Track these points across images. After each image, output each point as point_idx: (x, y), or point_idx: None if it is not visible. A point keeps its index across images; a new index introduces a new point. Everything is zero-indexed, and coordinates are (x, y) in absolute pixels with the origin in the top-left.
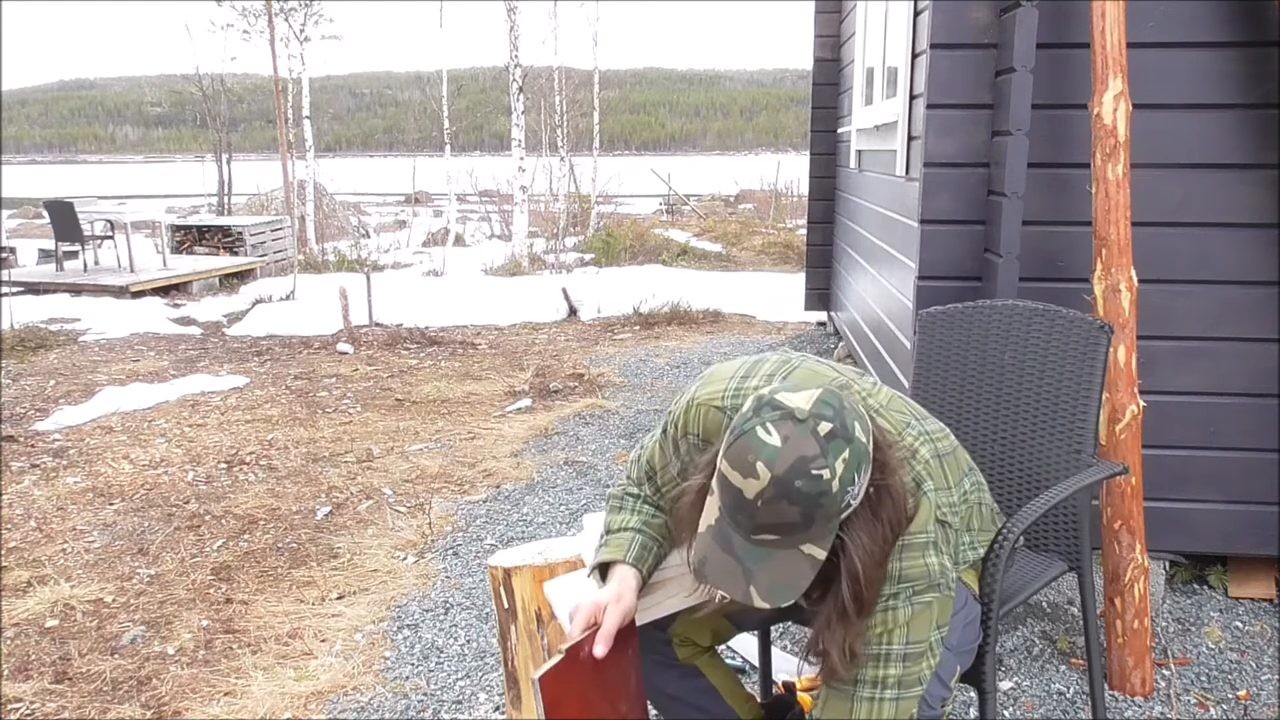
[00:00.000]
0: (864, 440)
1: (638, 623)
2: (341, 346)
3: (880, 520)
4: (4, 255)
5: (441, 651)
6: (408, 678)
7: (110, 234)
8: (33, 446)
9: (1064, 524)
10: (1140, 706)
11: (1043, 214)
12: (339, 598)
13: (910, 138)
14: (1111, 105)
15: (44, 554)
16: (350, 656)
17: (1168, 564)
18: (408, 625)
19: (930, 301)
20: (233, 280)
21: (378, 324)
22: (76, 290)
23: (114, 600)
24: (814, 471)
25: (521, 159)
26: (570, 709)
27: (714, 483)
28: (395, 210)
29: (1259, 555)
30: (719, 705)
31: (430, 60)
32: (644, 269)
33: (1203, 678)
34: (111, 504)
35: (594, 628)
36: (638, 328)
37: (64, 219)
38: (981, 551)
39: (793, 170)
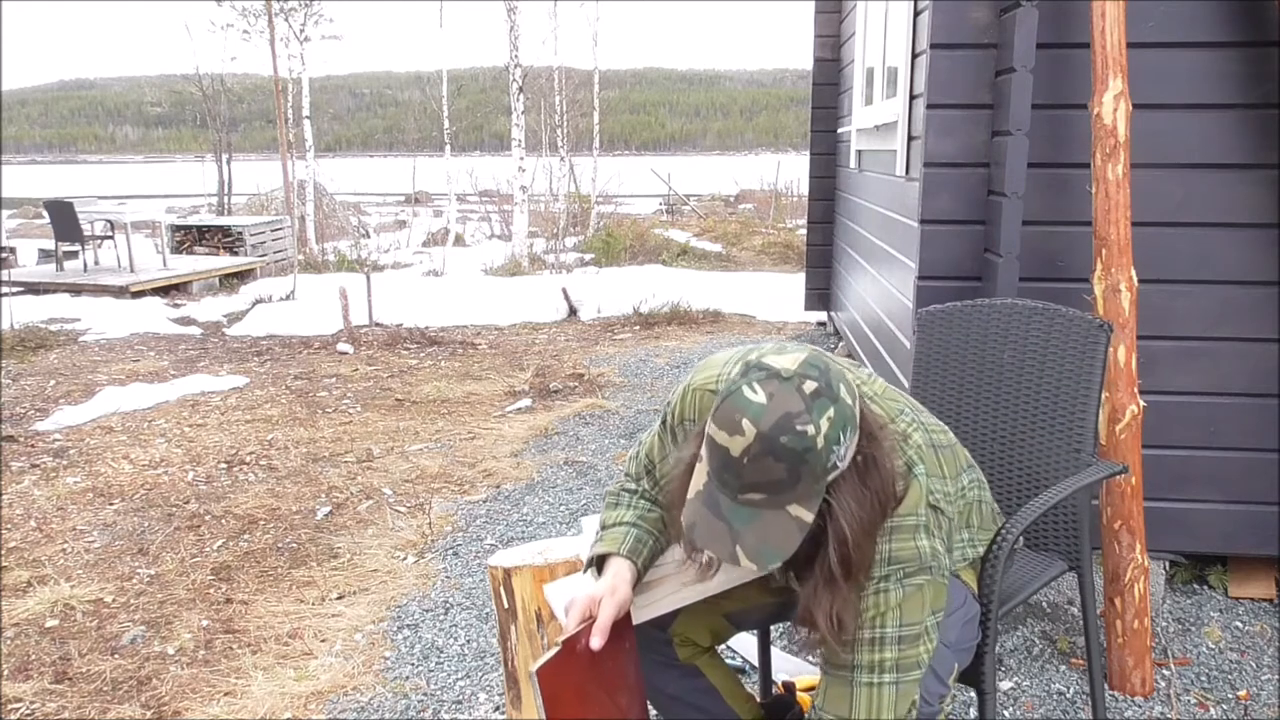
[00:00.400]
0: (849, 402)
1: (638, 620)
2: (341, 346)
3: (868, 489)
4: (4, 255)
5: (441, 651)
6: (408, 678)
7: (110, 234)
8: (33, 446)
9: (1064, 523)
10: (1140, 706)
11: (1043, 214)
12: (339, 598)
13: (910, 138)
14: (1111, 105)
15: (44, 554)
16: (350, 656)
17: (1168, 564)
18: (408, 625)
19: (930, 301)
20: (233, 280)
21: (378, 324)
22: (76, 290)
23: (114, 600)
24: (799, 427)
25: (521, 159)
26: (568, 702)
27: (703, 449)
28: (395, 210)
29: (1259, 555)
30: (719, 705)
31: (430, 60)
32: (644, 269)
33: (1203, 678)
34: (111, 504)
35: (590, 620)
36: (638, 328)
37: (64, 219)
38: (981, 550)
39: (793, 170)
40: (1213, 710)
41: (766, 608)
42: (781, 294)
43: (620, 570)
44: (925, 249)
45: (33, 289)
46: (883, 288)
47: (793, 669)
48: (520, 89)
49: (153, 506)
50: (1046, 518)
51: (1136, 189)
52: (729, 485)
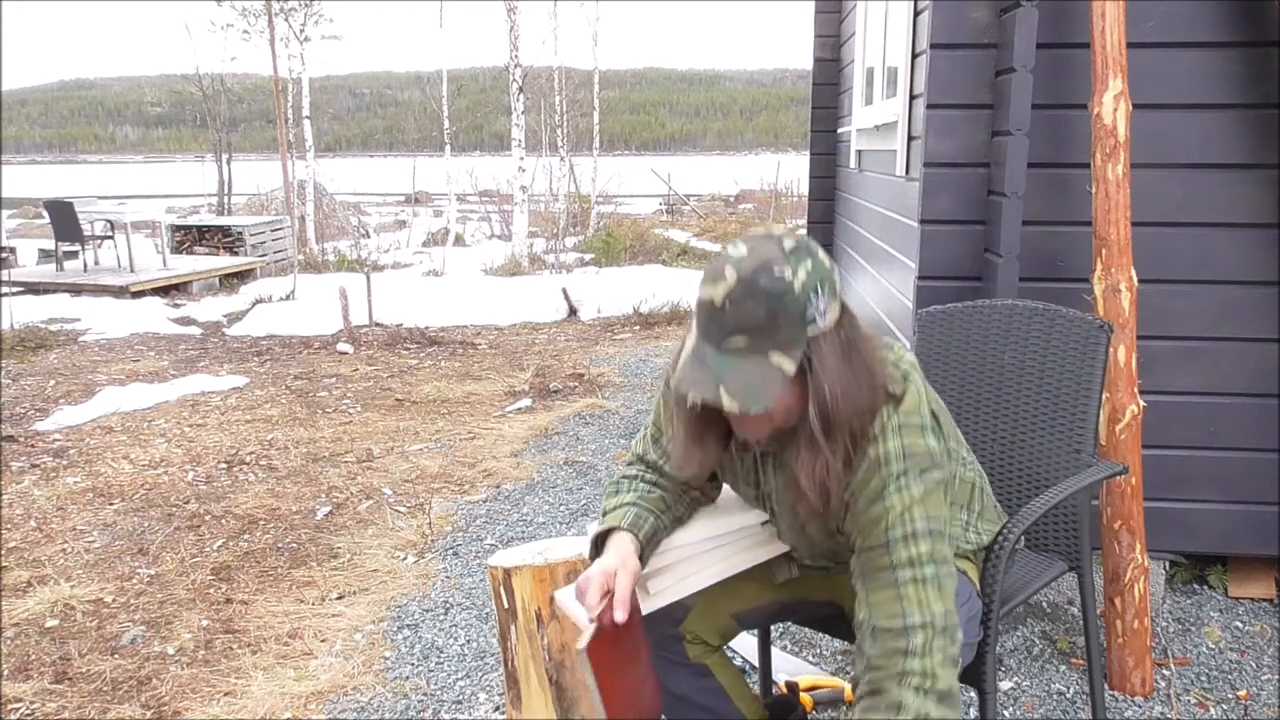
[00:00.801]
0: (827, 265)
1: (648, 608)
2: (341, 346)
3: (851, 364)
4: (4, 255)
5: (441, 651)
6: (408, 678)
7: (110, 234)
8: (33, 446)
9: (1064, 524)
10: (1140, 706)
11: (1043, 214)
12: (339, 598)
13: (910, 138)
14: (1111, 105)
15: (44, 554)
16: (350, 656)
17: (1168, 564)
18: (408, 625)
19: (930, 301)
20: (233, 280)
21: (378, 324)
22: (76, 290)
23: (114, 600)
24: (776, 271)
25: (521, 159)
26: (613, 674)
27: (691, 316)
28: (395, 210)
29: (1259, 555)
30: (727, 706)
31: (430, 60)
32: (644, 269)
33: (1203, 678)
34: (111, 504)
35: (608, 595)
36: (638, 328)
37: (64, 219)
38: (985, 539)
39: (793, 170)
40: (1213, 710)
41: (770, 607)
42: None
43: (623, 542)
44: (925, 249)
45: (33, 289)
46: (883, 288)
47: (793, 669)
48: (520, 89)
49: (153, 506)
50: (1047, 518)
51: (1136, 189)
52: (713, 335)
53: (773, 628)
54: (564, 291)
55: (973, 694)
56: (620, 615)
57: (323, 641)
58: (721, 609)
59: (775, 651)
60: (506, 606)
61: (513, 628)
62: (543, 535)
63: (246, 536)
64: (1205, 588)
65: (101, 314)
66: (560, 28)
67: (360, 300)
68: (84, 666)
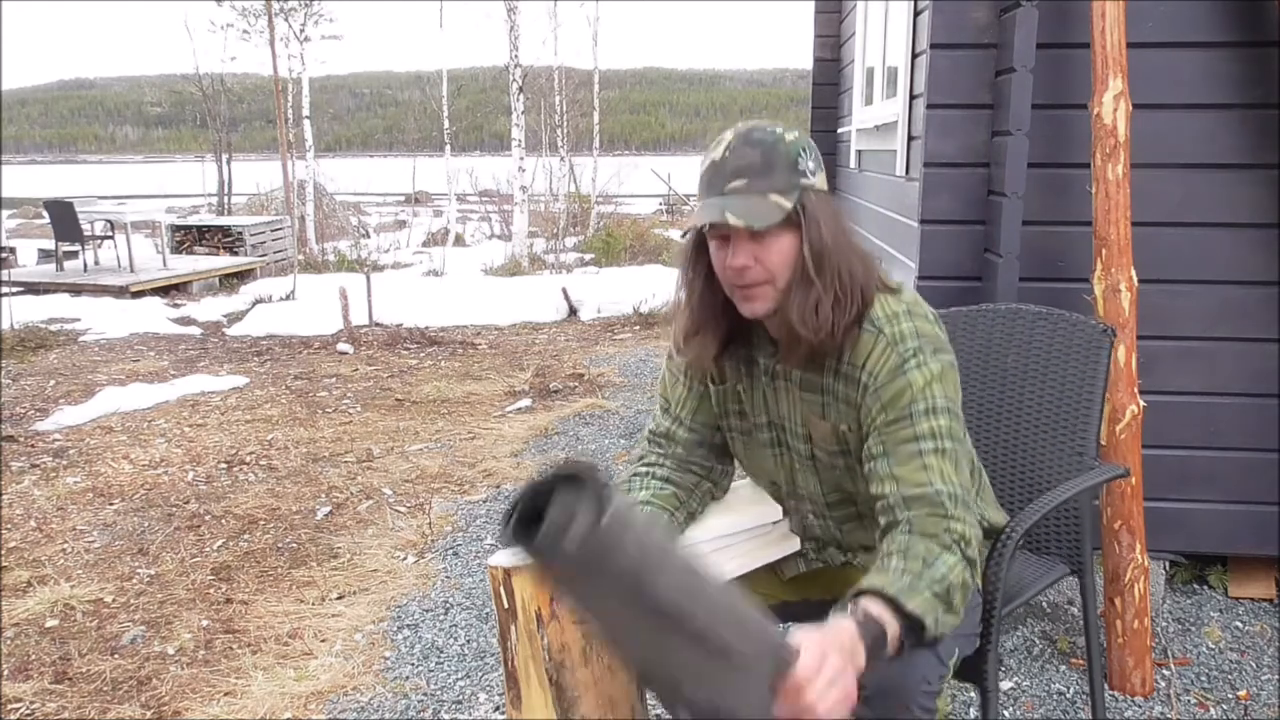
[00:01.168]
0: (814, 146)
1: None
2: (341, 346)
3: (840, 222)
4: (4, 255)
5: (441, 651)
6: (408, 678)
7: (110, 234)
8: (33, 446)
9: (1065, 527)
10: (1140, 706)
11: (1043, 214)
12: (339, 598)
13: (910, 138)
14: (1111, 105)
15: (44, 554)
16: (350, 656)
17: (1168, 564)
18: (408, 625)
19: (930, 301)
20: (233, 280)
21: (378, 324)
22: (76, 290)
23: (114, 600)
24: (769, 128)
25: (521, 159)
26: None
27: (697, 187)
28: (395, 210)
29: (1259, 555)
30: None
31: (430, 60)
32: (644, 269)
33: (1203, 678)
34: (111, 504)
35: None
36: (638, 328)
37: (64, 219)
38: (985, 520)
39: None
40: (1213, 710)
41: (776, 609)
42: None
43: None
44: (925, 249)
45: (33, 289)
46: None
47: None
48: (520, 89)
49: (153, 506)
50: (1048, 521)
51: (1136, 189)
52: (716, 185)
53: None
54: (564, 291)
55: (973, 694)
56: None
57: (323, 641)
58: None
59: None
60: (506, 606)
61: (513, 628)
62: None
63: (246, 536)
64: (1205, 588)
65: (101, 314)
66: (560, 27)
67: (360, 300)
68: (84, 666)
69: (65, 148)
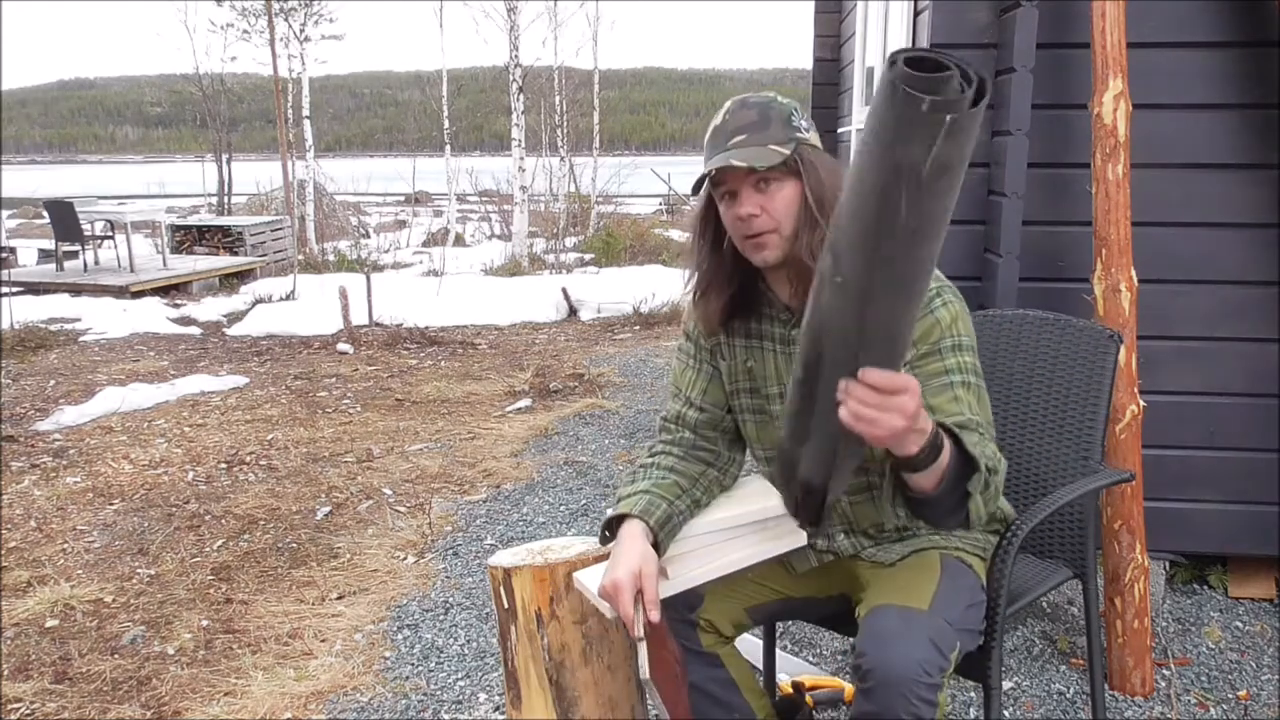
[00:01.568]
0: (805, 110)
1: (663, 594)
2: (341, 346)
3: (840, 174)
4: (4, 255)
5: (441, 651)
6: (408, 678)
7: (110, 234)
8: (33, 446)
9: (1069, 530)
10: (1140, 706)
11: (1043, 214)
12: (339, 598)
13: None
14: (1111, 105)
15: (44, 554)
16: (350, 656)
17: (1168, 564)
18: (408, 625)
19: None
20: (233, 280)
21: (378, 324)
22: (76, 290)
23: (114, 600)
24: (763, 93)
25: (521, 159)
26: (667, 683)
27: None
28: (395, 210)
29: (1259, 555)
30: (736, 698)
31: (430, 60)
32: (644, 269)
33: (1203, 678)
34: (111, 504)
35: (637, 597)
36: (638, 328)
37: (64, 219)
38: (1000, 504)
39: None
40: (1213, 710)
41: (781, 604)
42: None
43: (637, 533)
44: None
45: (33, 289)
46: None
47: (793, 669)
48: (520, 89)
49: (153, 506)
50: (1052, 524)
51: (1136, 189)
52: (719, 144)
53: (777, 626)
54: (564, 291)
55: (973, 694)
56: (655, 616)
57: (323, 641)
58: (736, 601)
59: (778, 652)
60: (506, 606)
61: (513, 628)
62: (543, 535)
63: (246, 536)
64: (1205, 588)
65: (101, 314)
66: (560, 27)
67: (360, 300)
68: (84, 666)
69: (65, 148)
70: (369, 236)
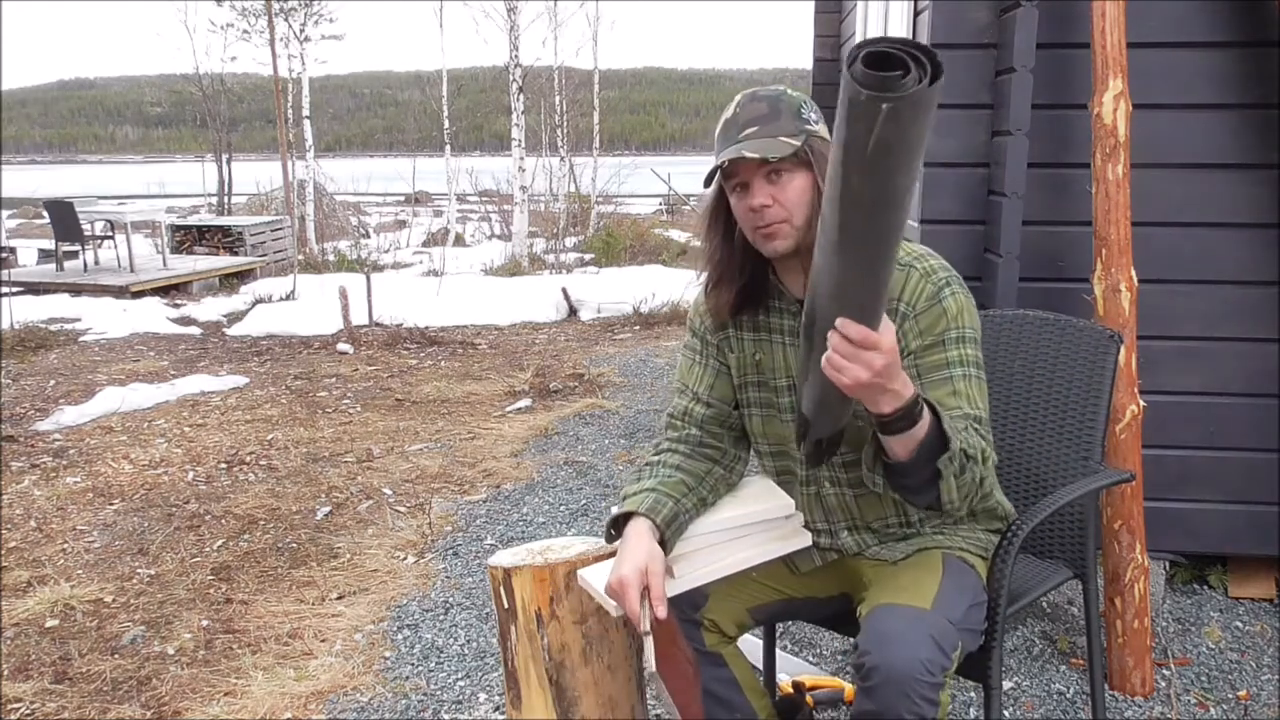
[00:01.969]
0: (814, 103)
1: (669, 594)
2: (341, 346)
3: None
4: (4, 255)
5: (441, 651)
6: (408, 678)
7: (110, 234)
8: (33, 446)
9: (1069, 531)
10: (1140, 706)
11: (1043, 214)
12: (339, 598)
13: None
14: (1111, 105)
15: (44, 554)
16: (350, 656)
17: (1168, 564)
18: (408, 625)
19: None
20: (233, 280)
21: (378, 324)
22: (76, 290)
23: (114, 600)
24: (772, 86)
25: (521, 159)
26: (675, 677)
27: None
28: (395, 210)
29: (1259, 555)
30: (738, 697)
31: (430, 60)
32: (644, 269)
33: (1203, 678)
34: (111, 504)
35: (644, 593)
36: (638, 328)
37: (64, 219)
38: (996, 496)
39: None
40: (1213, 710)
41: (783, 605)
42: None
43: (643, 531)
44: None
45: (33, 289)
46: None
47: (793, 669)
48: (520, 89)
49: (153, 506)
50: (1052, 524)
51: (1136, 189)
52: (731, 136)
53: (777, 626)
54: (564, 291)
55: (973, 694)
56: (661, 612)
57: (323, 641)
58: (739, 601)
59: (778, 653)
60: (506, 606)
61: (513, 628)
62: (543, 535)
63: (246, 536)
64: (1205, 588)
65: (101, 314)
66: (560, 27)
67: (360, 300)
68: (84, 666)
69: (65, 148)
70: (369, 236)
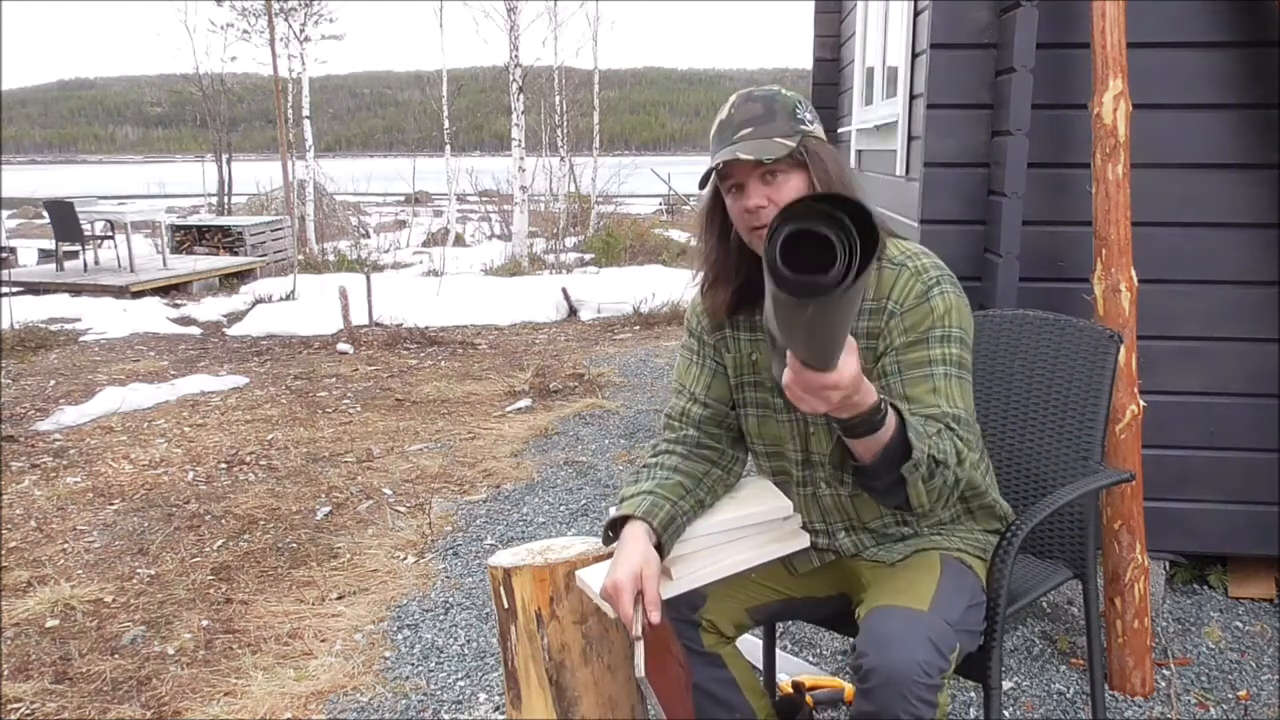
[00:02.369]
0: (809, 103)
1: (666, 594)
2: (341, 346)
3: (844, 167)
4: (4, 255)
5: (441, 651)
6: (408, 678)
7: (110, 234)
8: (33, 446)
9: (1069, 530)
10: (1140, 706)
11: (1043, 214)
12: (339, 598)
13: (910, 138)
14: (1111, 105)
15: (44, 554)
16: (350, 656)
17: (1168, 564)
18: (408, 625)
19: None
20: (233, 280)
21: (378, 324)
22: (76, 290)
23: (114, 600)
24: (766, 86)
25: (521, 159)
26: (666, 684)
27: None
28: (395, 210)
29: (1259, 555)
30: (737, 697)
31: (430, 60)
32: (644, 269)
33: (1203, 678)
34: (111, 504)
35: (638, 598)
36: (638, 328)
37: (64, 219)
38: (992, 492)
39: None
40: (1213, 710)
41: (782, 605)
42: None
43: (639, 534)
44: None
45: (33, 289)
46: None
47: (793, 669)
48: (520, 89)
49: (153, 506)
50: (1052, 524)
51: (1136, 189)
52: (726, 137)
53: (777, 625)
54: (564, 291)
55: (973, 694)
56: (655, 617)
57: (323, 641)
58: (738, 601)
59: (778, 652)
60: (506, 606)
61: (513, 628)
62: (543, 535)
63: (246, 536)
64: (1205, 588)
65: (101, 314)
66: (560, 27)
67: (360, 300)
68: (84, 666)
69: (65, 148)
70: (369, 236)
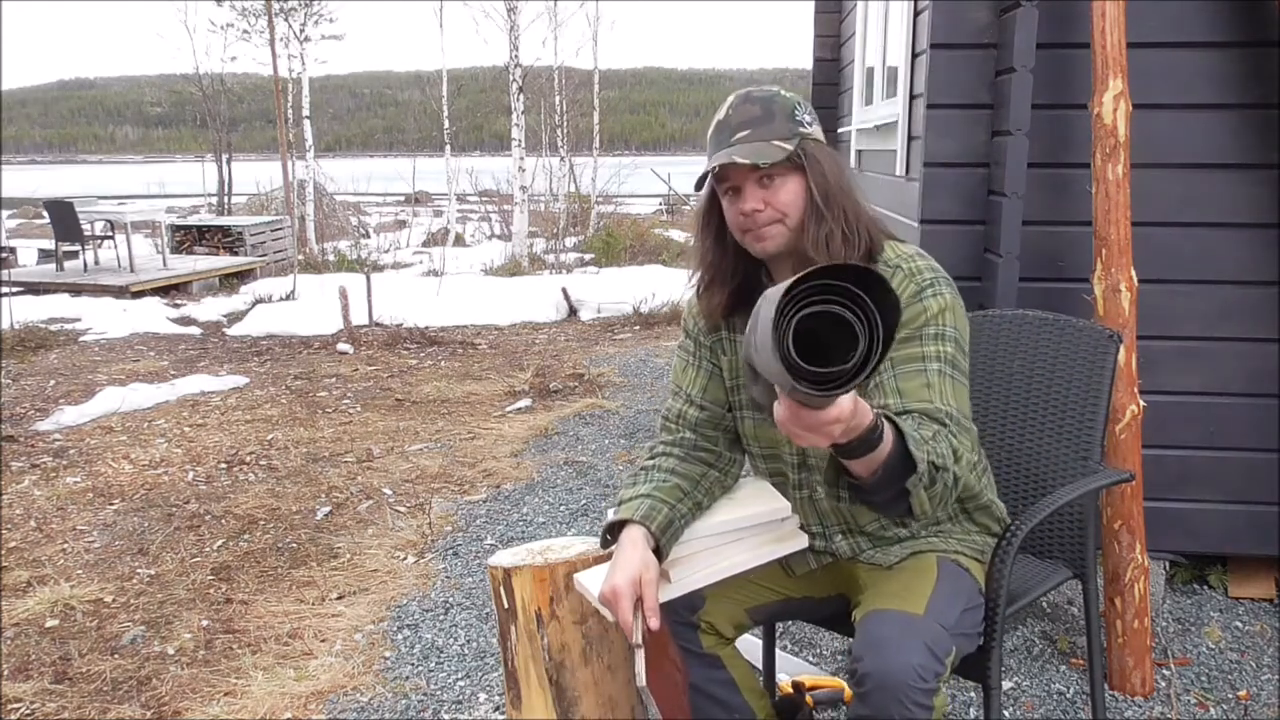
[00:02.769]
0: (809, 104)
1: (665, 597)
2: (341, 346)
3: (843, 170)
4: (4, 255)
5: (441, 651)
6: (408, 678)
7: (110, 234)
8: (33, 446)
9: (1069, 530)
10: (1140, 706)
11: (1043, 214)
12: (339, 598)
13: (910, 138)
14: (1111, 105)
15: (44, 554)
16: (350, 656)
17: (1168, 564)
18: (408, 625)
19: None
20: (233, 280)
21: (378, 324)
22: (76, 290)
23: (114, 600)
24: (765, 87)
25: (521, 159)
26: (665, 690)
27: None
28: (395, 210)
29: (1259, 555)
30: (736, 698)
31: (430, 60)
32: (644, 269)
33: (1203, 678)
34: (111, 504)
35: (637, 604)
36: (638, 328)
37: (64, 219)
38: (990, 494)
39: None
40: (1213, 710)
41: (781, 605)
42: None
43: (638, 539)
44: (925, 249)
45: (33, 289)
46: None
47: (793, 669)
48: (520, 89)
49: (153, 506)
50: (1052, 524)
51: (1136, 189)
52: (723, 140)
53: (777, 625)
54: (564, 291)
55: (973, 694)
56: (654, 623)
57: (323, 641)
58: (736, 602)
59: (778, 652)
60: (506, 606)
61: (513, 628)
62: (543, 535)
63: (246, 536)
64: (1205, 588)
65: (101, 314)
66: (560, 27)
67: (360, 300)
68: (84, 666)
69: (65, 148)
70: (369, 236)
